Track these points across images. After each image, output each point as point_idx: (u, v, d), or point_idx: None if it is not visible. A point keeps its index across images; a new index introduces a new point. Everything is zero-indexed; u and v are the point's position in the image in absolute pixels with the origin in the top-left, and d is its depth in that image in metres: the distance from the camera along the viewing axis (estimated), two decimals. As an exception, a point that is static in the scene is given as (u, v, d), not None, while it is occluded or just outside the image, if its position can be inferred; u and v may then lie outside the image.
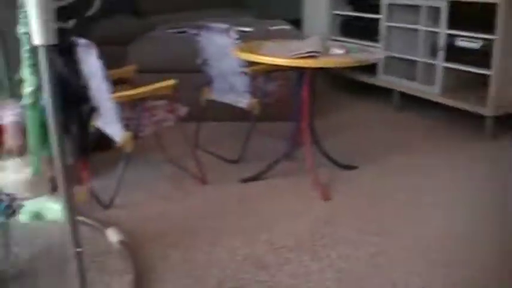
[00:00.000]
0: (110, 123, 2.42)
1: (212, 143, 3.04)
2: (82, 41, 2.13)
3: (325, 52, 2.40)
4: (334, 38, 4.28)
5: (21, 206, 1.32)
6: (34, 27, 1.14)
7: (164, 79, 2.41)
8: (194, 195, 2.49)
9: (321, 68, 2.47)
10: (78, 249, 1.35)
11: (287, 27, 4.09)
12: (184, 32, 3.86)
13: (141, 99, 2.32)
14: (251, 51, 2.49)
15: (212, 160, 2.85)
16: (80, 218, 2.16)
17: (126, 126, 2.29)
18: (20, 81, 1.63)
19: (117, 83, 2.29)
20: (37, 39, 1.15)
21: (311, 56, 2.30)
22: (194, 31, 3.15)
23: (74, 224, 1.33)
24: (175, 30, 3.96)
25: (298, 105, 2.58)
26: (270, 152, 2.78)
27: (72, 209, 1.31)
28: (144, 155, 2.82)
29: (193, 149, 2.59)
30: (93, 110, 2.55)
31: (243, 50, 2.53)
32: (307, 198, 2.43)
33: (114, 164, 2.57)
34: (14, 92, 1.69)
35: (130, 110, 2.44)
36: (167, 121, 2.45)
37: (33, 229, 2.16)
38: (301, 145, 2.61)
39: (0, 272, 1.77)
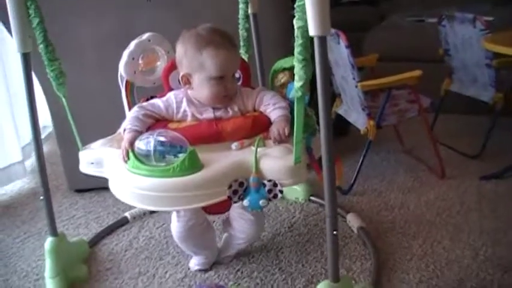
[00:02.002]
0: (353, 110, 2.50)
1: (450, 136, 2.96)
2: (331, 29, 2.22)
3: None
4: None
5: (281, 191, 1.42)
6: (311, 17, 1.22)
7: (402, 68, 2.39)
8: (432, 188, 2.46)
9: None
10: (335, 232, 1.42)
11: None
12: (422, 20, 3.81)
13: (385, 89, 2.35)
14: (499, 42, 2.37)
15: (450, 154, 2.78)
16: (321, 201, 2.30)
17: (369, 115, 2.34)
18: (274, 72, 1.76)
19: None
20: (313, 29, 1.23)
21: None
22: (434, 19, 3.09)
23: (333, 207, 1.40)
24: (414, 19, 3.91)
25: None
26: (512, 150, 2.64)
27: (333, 192, 1.39)
28: (382, 144, 2.86)
29: (434, 142, 2.55)
30: (334, 97, 2.66)
31: (491, 41, 2.43)
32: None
33: (351, 151, 2.65)
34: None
35: (372, 98, 2.48)
36: (410, 112, 2.46)
37: (274, 207, 2.34)
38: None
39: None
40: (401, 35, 3.68)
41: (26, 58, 1.68)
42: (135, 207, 2.33)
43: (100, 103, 2.26)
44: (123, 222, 2.30)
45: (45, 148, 3.24)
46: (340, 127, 2.82)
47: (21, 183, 2.86)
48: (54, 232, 1.90)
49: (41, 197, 1.87)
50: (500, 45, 2.34)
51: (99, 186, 2.59)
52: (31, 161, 3.11)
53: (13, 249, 2.20)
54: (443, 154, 2.63)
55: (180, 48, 1.59)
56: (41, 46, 1.65)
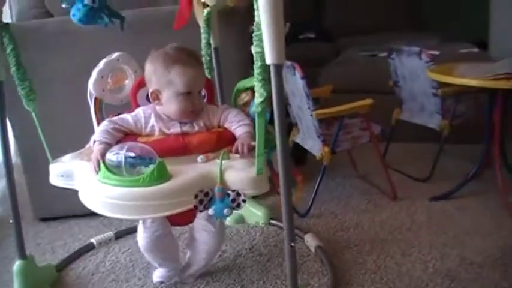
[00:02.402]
0: (309, 138, 2.64)
1: (402, 162, 3.13)
2: (287, 61, 2.37)
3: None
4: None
5: (244, 201, 1.53)
6: (267, 47, 1.35)
7: (356, 99, 2.55)
8: (384, 209, 2.60)
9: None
10: (292, 244, 1.52)
11: (475, 49, 4.07)
12: (374, 55, 4.02)
13: (339, 117, 2.50)
14: (443, 73, 2.57)
15: (401, 178, 2.95)
16: (280, 224, 2.41)
17: (324, 142, 2.48)
18: (237, 91, 1.88)
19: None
20: (269, 58, 1.36)
21: (506, 77, 2.32)
22: (385, 54, 3.30)
23: (290, 220, 1.51)
24: (366, 53, 4.13)
25: (488, 127, 2.60)
26: (458, 173, 2.81)
27: (290, 205, 1.49)
28: (337, 170, 3.00)
29: (385, 166, 2.71)
30: (290, 126, 2.80)
31: (435, 72, 2.62)
32: (496, 217, 2.43)
33: (308, 178, 2.78)
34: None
35: (327, 126, 2.63)
36: (362, 138, 2.61)
37: (236, 230, 2.44)
38: (491, 167, 2.62)
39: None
40: (354, 69, 3.89)
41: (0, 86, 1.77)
42: (100, 234, 2.40)
43: (69, 130, 2.33)
44: (89, 248, 2.35)
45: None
46: (297, 156, 2.96)
47: (-16, 214, 2.88)
48: (22, 255, 1.95)
49: (10, 220, 1.93)
50: (443, 75, 2.53)
51: (65, 214, 2.67)
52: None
53: (-21, 274, 2.22)
54: (395, 178, 2.79)
55: (149, 67, 1.71)
56: (13, 69, 1.75)
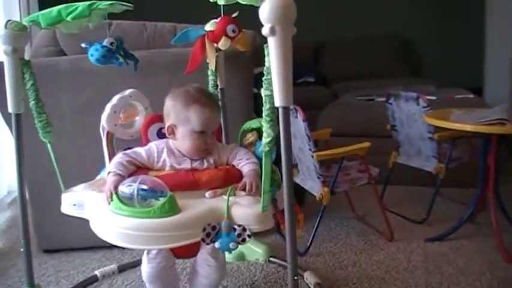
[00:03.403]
0: (309, 179, 2.72)
1: (398, 205, 3.21)
2: (290, 105, 2.46)
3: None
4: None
5: (250, 236, 1.59)
6: (276, 90, 1.45)
7: (353, 143, 2.65)
8: (382, 249, 2.66)
9: (505, 136, 2.57)
10: (295, 277, 1.58)
11: (470, 95, 4.19)
12: (372, 99, 4.14)
13: (338, 159, 2.58)
14: (439, 118, 2.67)
15: (398, 220, 3.02)
16: (279, 261, 2.47)
17: (324, 182, 2.56)
18: (243, 131, 1.97)
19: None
20: (278, 101, 1.45)
21: (499, 122, 2.42)
22: (382, 98, 3.41)
23: (294, 254, 1.56)
24: (363, 98, 4.24)
25: (483, 170, 2.69)
26: (454, 215, 2.89)
27: (294, 239, 1.55)
28: (336, 211, 3.08)
29: (382, 208, 2.78)
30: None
31: (431, 117, 2.72)
32: (490, 258, 2.50)
33: (307, 218, 2.82)
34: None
35: (326, 168, 2.71)
36: (361, 180, 2.70)
37: (237, 267, 2.50)
38: (485, 210, 2.70)
39: None
40: (352, 113, 4.00)
41: (18, 119, 1.87)
42: (103, 267, 2.46)
43: (77, 164, 2.40)
44: (93, 280, 2.39)
45: (13, 212, 3.34)
46: (296, 196, 3.00)
47: (-12, 244, 2.94)
48: (31, 283, 2.00)
49: (22, 249, 1.97)
50: (439, 120, 2.63)
51: (68, 247, 2.71)
52: (-4, 224, 3.21)
53: (-16, 304, 2.27)
54: (392, 220, 2.86)
55: (169, 102, 1.80)
56: (33, 103, 1.85)
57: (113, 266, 2.47)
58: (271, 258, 2.52)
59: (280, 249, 2.54)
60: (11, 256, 2.74)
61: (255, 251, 2.53)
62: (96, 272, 2.42)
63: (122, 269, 2.48)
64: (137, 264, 2.36)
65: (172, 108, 1.78)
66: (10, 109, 1.84)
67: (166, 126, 1.80)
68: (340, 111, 4.15)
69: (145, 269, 1.91)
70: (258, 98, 2.53)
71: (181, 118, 1.76)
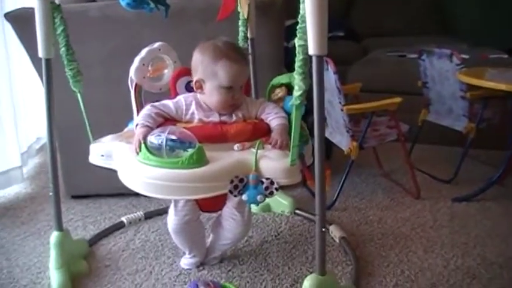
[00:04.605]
0: (337, 133, 2.69)
1: (426, 163, 3.16)
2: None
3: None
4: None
5: (277, 189, 1.59)
6: (311, 38, 1.42)
7: (383, 99, 2.61)
8: (408, 207, 2.65)
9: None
10: (323, 229, 1.59)
11: (504, 55, 4.08)
12: (403, 55, 4.06)
13: (368, 114, 2.55)
14: (473, 77, 2.60)
15: (425, 178, 2.98)
16: (305, 214, 2.48)
17: (353, 137, 2.53)
18: (272, 86, 1.94)
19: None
20: (312, 49, 1.43)
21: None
22: (414, 55, 3.34)
23: (323, 206, 1.58)
24: (394, 54, 4.16)
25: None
26: (481, 177, 2.85)
27: (323, 192, 1.57)
28: (363, 167, 3.06)
29: (410, 165, 2.76)
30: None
31: (465, 75, 2.66)
32: (518, 222, 2.48)
33: (334, 173, 2.81)
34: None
35: (355, 123, 2.68)
36: (390, 136, 2.66)
37: (262, 218, 2.51)
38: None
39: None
40: (382, 69, 3.92)
41: (48, 64, 1.86)
42: (130, 213, 2.49)
43: (107, 110, 2.41)
44: (119, 226, 2.43)
45: (41, 158, 3.38)
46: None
47: (18, 188, 2.98)
48: (60, 227, 2.04)
49: (50, 193, 2.00)
50: (472, 78, 2.57)
51: (95, 193, 2.75)
52: (27, 168, 3.25)
53: (14, 246, 2.32)
54: (418, 179, 2.82)
55: (197, 56, 1.78)
56: (63, 49, 1.84)
57: (140, 213, 2.50)
58: (296, 211, 2.54)
59: (305, 203, 2.57)
60: (40, 201, 2.79)
61: (281, 202, 2.55)
62: (123, 219, 2.46)
63: (148, 216, 2.52)
64: (163, 212, 2.39)
65: (200, 63, 1.76)
66: (40, 54, 1.83)
67: (194, 80, 1.78)
68: (370, 67, 4.07)
69: (171, 220, 1.94)
70: (288, 52, 2.51)
71: (209, 73, 1.73)
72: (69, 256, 2.02)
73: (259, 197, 1.58)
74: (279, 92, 1.90)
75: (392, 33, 5.22)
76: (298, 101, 1.53)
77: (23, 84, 3.24)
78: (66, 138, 2.59)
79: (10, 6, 2.75)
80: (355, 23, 5.58)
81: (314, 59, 1.44)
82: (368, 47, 4.93)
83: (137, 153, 1.64)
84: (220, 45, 1.75)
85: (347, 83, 3.55)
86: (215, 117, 1.75)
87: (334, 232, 2.29)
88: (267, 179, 1.57)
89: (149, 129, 1.67)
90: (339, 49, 4.72)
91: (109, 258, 2.18)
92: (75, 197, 2.79)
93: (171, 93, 1.94)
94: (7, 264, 2.16)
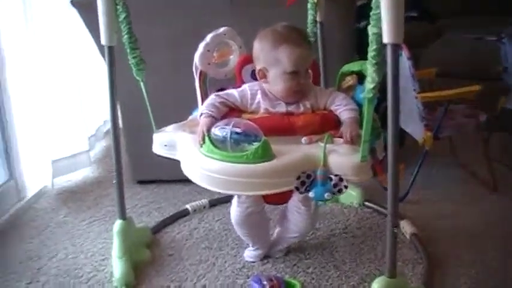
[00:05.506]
0: (411, 121, 2.56)
1: (504, 154, 2.98)
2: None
3: None
4: None
5: (346, 187, 1.51)
6: (386, 25, 1.31)
7: (458, 84, 2.45)
8: (484, 201, 2.50)
9: None
10: (395, 229, 1.49)
11: None
12: (480, 38, 3.84)
13: (443, 101, 2.41)
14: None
15: (502, 169, 2.80)
16: (374, 206, 2.38)
17: (427, 126, 2.40)
18: (341, 74, 1.84)
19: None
20: (387, 37, 1.32)
21: None
22: (493, 37, 3.14)
23: (395, 205, 1.49)
24: (471, 36, 3.95)
25: None
26: None
27: (396, 189, 1.48)
28: (437, 157, 2.90)
29: (488, 156, 2.60)
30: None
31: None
32: None
33: (406, 162, 2.71)
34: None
35: (430, 112, 2.54)
36: (466, 126, 2.51)
37: (330, 209, 2.42)
38: None
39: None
40: (458, 52, 3.74)
41: (111, 51, 1.82)
42: (194, 200, 2.46)
43: (171, 97, 2.38)
44: (184, 214, 2.41)
45: (108, 141, 3.41)
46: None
47: (85, 172, 3.01)
48: (123, 215, 2.02)
49: (114, 181, 1.99)
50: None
51: (161, 178, 2.73)
52: (95, 152, 3.28)
53: (80, 231, 2.33)
54: (496, 171, 2.66)
55: (257, 44, 1.70)
56: (126, 37, 1.79)
57: (204, 201, 2.47)
58: (366, 203, 2.44)
59: (374, 193, 2.44)
60: (105, 185, 2.81)
61: (350, 193, 2.44)
62: (187, 206, 2.43)
63: (212, 204, 2.48)
64: (228, 200, 2.33)
65: (260, 51, 1.69)
66: (103, 41, 1.79)
67: (256, 70, 1.71)
68: (445, 49, 3.89)
69: (234, 212, 1.89)
70: (359, 33, 2.40)
71: (271, 60, 1.66)
72: (131, 244, 2.00)
73: (326, 195, 1.50)
74: (350, 80, 1.81)
75: (469, 13, 4.96)
76: (371, 94, 1.43)
77: (89, 67, 3.25)
78: (132, 122, 2.58)
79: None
80: (429, 2, 5.35)
81: (389, 48, 1.34)
82: (443, 27, 4.70)
83: (201, 145, 1.58)
84: (280, 29, 1.67)
85: (420, 67, 3.38)
86: (282, 107, 1.67)
87: (406, 228, 2.18)
88: (336, 175, 1.49)
89: (213, 120, 1.61)
90: (412, 31, 4.53)
91: (172, 247, 2.16)
92: (141, 182, 2.79)
93: (237, 80, 1.87)
94: (72, 250, 2.18)
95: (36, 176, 2.70)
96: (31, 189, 2.67)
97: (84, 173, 3.00)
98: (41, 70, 2.65)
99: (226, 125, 1.52)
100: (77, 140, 2.96)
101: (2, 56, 2.44)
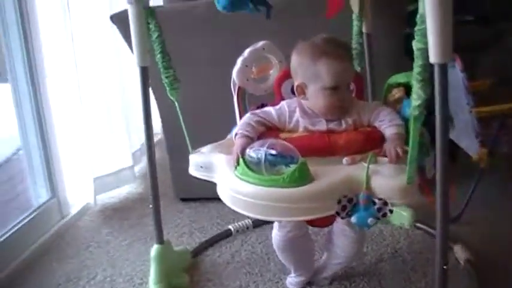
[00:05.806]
0: (465, 136, 2.41)
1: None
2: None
3: None
4: None
5: (391, 211, 1.39)
6: (432, 43, 1.19)
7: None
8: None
9: None
10: (445, 267, 1.36)
11: None
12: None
13: (500, 115, 2.25)
14: None
15: None
16: (426, 228, 2.24)
17: (482, 142, 2.25)
18: (388, 86, 1.72)
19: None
20: (433, 56, 1.20)
21: None
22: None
23: (445, 240, 1.36)
24: (531, 42, 3.76)
25: None
26: None
27: (446, 224, 1.34)
28: (494, 172, 2.73)
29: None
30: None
31: None
32: None
33: (460, 177, 2.55)
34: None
35: (485, 125, 2.38)
36: (524, 141, 2.35)
37: (379, 231, 2.29)
38: None
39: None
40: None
41: (144, 71, 1.77)
42: (239, 221, 2.39)
43: (210, 113, 2.32)
44: (226, 235, 2.34)
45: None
46: (449, 152, 2.72)
47: (129, 188, 2.99)
48: (160, 240, 1.97)
49: (150, 205, 1.94)
50: None
51: (204, 196, 2.67)
52: (140, 167, 3.25)
53: (119, 251, 2.29)
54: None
55: (295, 59, 1.61)
56: (158, 56, 1.74)
57: (248, 221, 2.38)
58: (417, 224, 2.29)
59: (427, 212, 2.28)
60: (149, 202, 2.75)
61: (400, 214, 2.27)
62: (230, 227, 2.36)
63: (256, 224, 2.39)
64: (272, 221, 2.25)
65: (298, 66, 1.59)
66: (136, 62, 1.74)
67: (295, 86, 1.61)
68: (503, 56, 3.69)
69: (275, 236, 1.79)
70: (410, 39, 2.27)
71: (310, 75, 1.55)
72: (169, 269, 1.95)
73: (370, 220, 1.39)
74: (396, 93, 1.68)
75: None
76: (417, 112, 1.31)
77: (133, 82, 3.22)
78: (174, 138, 2.51)
79: (117, 8, 2.72)
80: (486, 4, 5.15)
81: (436, 68, 1.22)
82: (502, 32, 4.50)
83: (235, 168, 1.49)
84: (318, 42, 1.56)
85: (476, 74, 3.22)
86: (322, 125, 1.56)
87: (459, 253, 2.03)
88: (380, 199, 1.38)
89: (248, 140, 1.52)
90: (468, 35, 4.36)
91: (212, 272, 2.09)
92: (184, 199, 2.73)
93: (276, 96, 1.78)
94: (111, 272, 2.14)
95: (78, 193, 2.68)
96: (74, 207, 2.66)
97: (128, 189, 2.97)
98: (84, 86, 2.64)
99: (261, 146, 1.42)
100: (120, 156, 2.94)
101: (44, 72, 2.43)
